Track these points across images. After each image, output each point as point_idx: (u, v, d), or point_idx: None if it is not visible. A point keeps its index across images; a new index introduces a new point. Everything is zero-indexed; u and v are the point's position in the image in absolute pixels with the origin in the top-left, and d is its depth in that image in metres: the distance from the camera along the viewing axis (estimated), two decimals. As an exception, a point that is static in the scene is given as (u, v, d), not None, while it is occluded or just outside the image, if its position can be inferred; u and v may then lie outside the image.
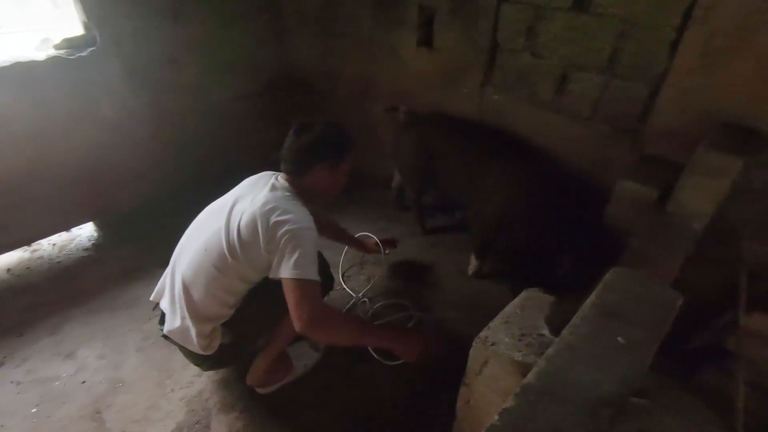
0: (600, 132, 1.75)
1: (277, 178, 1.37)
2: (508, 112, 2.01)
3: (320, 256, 1.43)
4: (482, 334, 1.08)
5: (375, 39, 2.31)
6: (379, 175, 2.79)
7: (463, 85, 2.10)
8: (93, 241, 2.38)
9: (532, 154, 1.94)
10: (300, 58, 2.79)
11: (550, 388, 0.76)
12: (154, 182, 2.55)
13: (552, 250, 1.73)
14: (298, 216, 1.24)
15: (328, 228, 1.89)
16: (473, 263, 2.04)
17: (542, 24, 1.71)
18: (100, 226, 2.48)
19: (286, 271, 1.18)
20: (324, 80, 2.75)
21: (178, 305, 1.32)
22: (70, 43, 2.03)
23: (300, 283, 1.17)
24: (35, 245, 2.33)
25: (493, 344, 1.04)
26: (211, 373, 1.67)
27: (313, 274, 1.20)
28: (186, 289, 1.30)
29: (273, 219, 1.21)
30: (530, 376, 0.79)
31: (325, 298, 1.75)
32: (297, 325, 1.17)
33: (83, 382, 1.66)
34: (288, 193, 1.32)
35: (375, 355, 1.69)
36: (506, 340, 1.05)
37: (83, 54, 2.02)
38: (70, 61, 1.99)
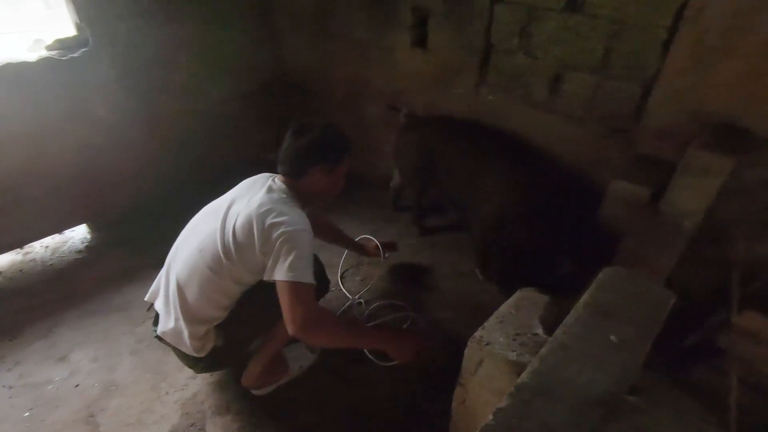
0: (593, 132, 1.76)
1: (274, 180, 1.37)
2: (502, 113, 2.01)
3: (316, 258, 1.43)
4: (477, 334, 1.08)
5: (369, 40, 2.31)
6: (373, 176, 2.79)
7: (457, 86, 2.10)
8: (86, 244, 2.36)
9: (532, 155, 1.94)
10: (294, 58, 2.79)
11: (544, 388, 0.76)
12: (148, 184, 2.53)
13: (550, 250, 1.74)
14: (294, 218, 1.24)
15: (327, 231, 1.88)
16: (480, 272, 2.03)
17: (535, 24, 1.72)
18: (93, 228, 2.47)
19: (280, 274, 1.17)
20: (318, 81, 2.75)
21: (172, 306, 1.31)
22: (62, 44, 2.02)
23: (294, 285, 1.17)
24: (28, 248, 2.31)
25: (487, 344, 1.04)
26: (205, 375, 1.67)
27: (308, 277, 1.19)
28: (180, 290, 1.30)
29: (269, 221, 1.20)
30: (524, 376, 0.79)
31: (322, 299, 1.75)
32: (290, 329, 1.17)
33: (76, 386, 1.65)
34: (285, 195, 1.31)
35: (370, 356, 1.69)
36: (501, 339, 1.05)
37: (75, 55, 2.00)
38: (62, 62, 1.97)
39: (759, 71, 1.31)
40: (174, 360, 1.51)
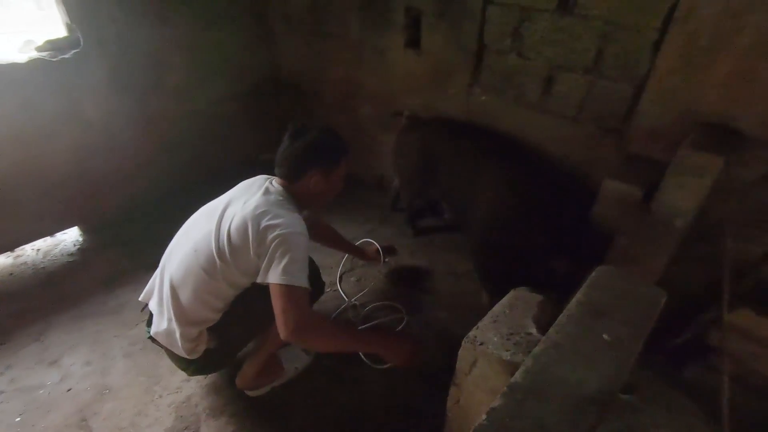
0: (586, 132, 1.77)
1: (271, 183, 1.36)
2: (495, 113, 2.02)
3: (310, 261, 1.42)
4: (471, 334, 1.08)
5: (362, 40, 2.32)
6: (368, 177, 2.79)
7: (450, 86, 2.11)
8: (78, 246, 2.34)
9: (530, 155, 1.95)
10: (287, 59, 2.79)
11: (537, 387, 0.77)
12: (140, 185, 2.52)
13: (543, 249, 1.74)
14: (290, 221, 1.23)
15: (326, 235, 1.87)
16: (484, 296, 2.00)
17: (528, 25, 1.73)
18: (85, 231, 2.44)
19: (274, 277, 1.17)
20: (312, 81, 2.74)
21: (165, 307, 1.31)
22: (53, 45, 2.00)
23: (288, 289, 1.16)
24: (18, 251, 2.28)
25: (481, 344, 1.04)
26: (200, 378, 1.66)
27: (302, 280, 1.18)
28: (174, 291, 1.29)
29: (264, 223, 1.20)
30: (517, 375, 0.80)
31: (318, 302, 1.74)
32: (282, 333, 1.16)
33: (69, 390, 1.63)
34: (281, 198, 1.30)
35: (364, 359, 1.68)
36: (495, 339, 1.05)
37: (66, 56, 1.99)
38: (52, 63, 1.96)
39: (748, 71, 1.32)
40: (168, 363, 1.50)
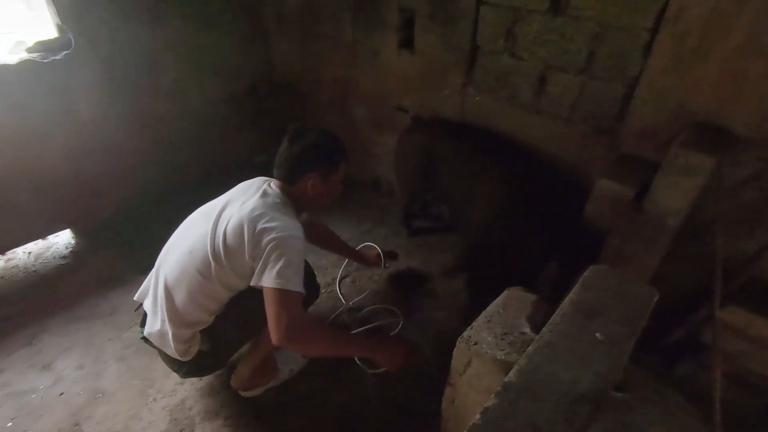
0: (579, 132, 1.78)
1: (269, 185, 1.35)
2: (489, 113, 2.03)
3: (306, 264, 1.42)
4: (465, 333, 1.08)
5: (356, 41, 2.32)
6: (362, 178, 2.79)
7: (444, 87, 2.11)
8: (70, 249, 2.32)
9: (528, 157, 1.95)
10: (281, 60, 2.78)
11: (530, 386, 0.77)
12: (134, 187, 2.50)
13: (538, 250, 1.74)
14: (286, 224, 1.22)
15: (325, 239, 1.86)
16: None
17: (520, 26, 1.73)
18: (77, 233, 2.42)
19: (268, 280, 1.16)
20: (306, 82, 2.74)
21: (159, 307, 1.30)
22: (43, 46, 1.98)
23: (282, 293, 1.15)
24: (10, 254, 2.26)
25: (476, 344, 1.05)
26: (194, 380, 1.65)
27: (296, 285, 1.17)
28: (168, 292, 1.28)
29: (260, 225, 1.19)
30: (511, 375, 0.80)
31: (314, 304, 1.73)
32: (274, 337, 1.15)
33: (61, 394, 1.62)
34: (279, 201, 1.30)
35: (359, 363, 1.68)
36: (489, 339, 1.05)
37: (57, 57, 1.97)
38: (44, 65, 1.94)
39: (738, 71, 1.34)
40: (162, 365, 1.49)
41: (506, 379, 0.79)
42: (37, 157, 2.07)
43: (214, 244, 1.23)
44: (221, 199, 1.36)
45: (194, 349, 1.31)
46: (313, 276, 1.65)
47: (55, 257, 2.26)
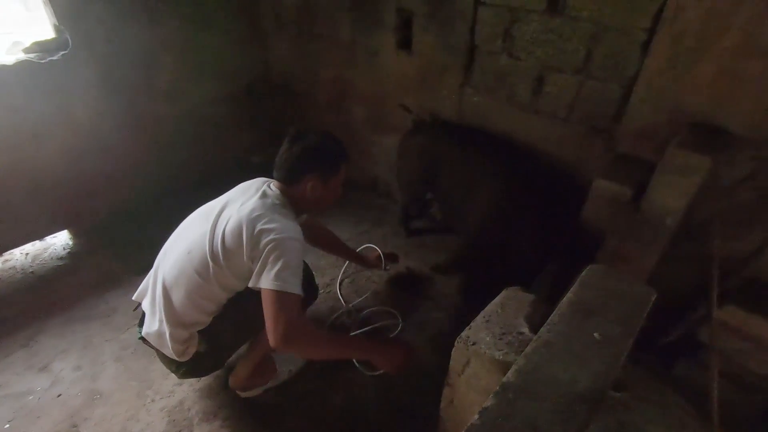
0: (576, 132, 1.79)
1: (269, 186, 1.35)
2: (487, 113, 2.03)
3: (304, 265, 1.42)
4: (463, 334, 1.09)
5: (354, 41, 2.32)
6: (360, 178, 2.79)
7: (442, 87, 2.11)
8: (68, 250, 2.31)
9: (528, 158, 1.95)
10: (279, 60, 2.78)
11: (529, 386, 0.77)
12: (131, 188, 2.50)
13: (534, 252, 1.75)
14: (285, 226, 1.21)
15: (325, 240, 1.85)
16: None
17: (518, 26, 1.74)
18: (75, 234, 2.42)
19: (266, 282, 1.15)
20: (304, 82, 2.74)
21: (157, 308, 1.30)
22: (40, 47, 1.98)
23: (279, 295, 1.14)
24: (7, 255, 2.25)
25: (474, 344, 1.05)
26: (192, 381, 1.65)
27: (294, 287, 1.17)
28: (166, 292, 1.28)
29: (259, 227, 1.18)
30: (509, 375, 0.80)
31: (313, 305, 1.73)
32: (271, 340, 1.14)
33: (59, 396, 1.61)
34: (278, 202, 1.29)
35: (357, 365, 1.68)
36: (487, 339, 1.06)
37: (54, 58, 1.96)
38: (41, 65, 1.93)
39: (735, 71, 1.34)
40: (160, 367, 1.49)
41: (504, 379, 0.79)
42: (34, 158, 2.07)
43: (213, 245, 1.23)
44: (221, 199, 1.36)
45: (192, 350, 1.30)
46: (312, 277, 1.64)
47: (52, 258, 2.25)
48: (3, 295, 2.02)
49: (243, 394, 1.58)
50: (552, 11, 1.63)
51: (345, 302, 2.00)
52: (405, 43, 2.15)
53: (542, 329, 0.90)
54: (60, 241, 2.37)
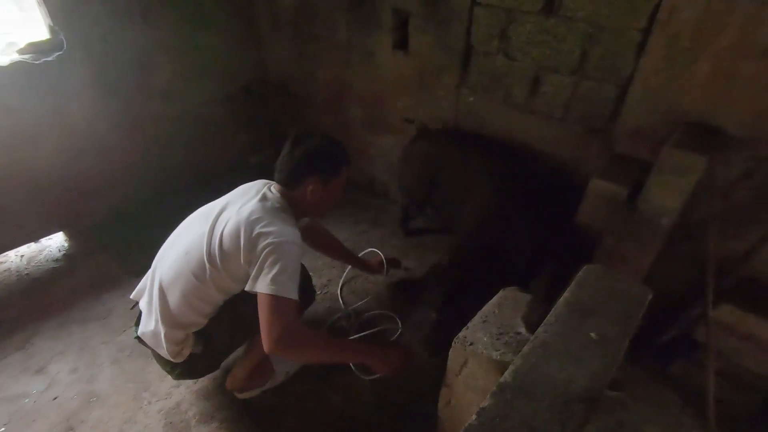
0: (573, 132, 1.79)
1: (270, 188, 1.34)
2: (483, 114, 2.04)
3: (302, 268, 1.41)
4: (461, 334, 1.09)
5: (350, 42, 2.31)
6: (358, 179, 2.79)
7: (438, 87, 2.12)
8: (63, 252, 2.30)
9: (526, 159, 1.95)
10: (275, 61, 2.77)
11: (526, 386, 0.77)
12: (127, 190, 2.49)
13: (526, 254, 1.75)
14: (283, 230, 1.21)
15: (327, 245, 1.85)
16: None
17: (514, 27, 1.74)
18: (70, 236, 2.41)
19: (262, 286, 1.15)
20: (301, 83, 2.73)
21: (154, 308, 1.29)
22: (35, 48, 1.97)
23: (275, 299, 1.14)
24: (2, 257, 2.24)
25: (471, 344, 1.05)
26: (190, 383, 1.64)
27: (290, 292, 1.16)
28: (162, 293, 1.27)
29: (257, 230, 1.18)
30: (506, 375, 0.80)
31: (315, 308, 1.72)
32: (265, 344, 1.14)
33: (55, 398, 1.61)
34: (278, 205, 1.28)
35: (353, 369, 1.67)
36: (484, 339, 1.06)
37: (49, 59, 1.95)
38: (35, 66, 1.92)
39: (729, 71, 1.35)
40: (156, 369, 1.49)
41: (502, 379, 0.79)
42: (29, 159, 2.05)
43: (210, 246, 1.23)
44: (220, 200, 1.35)
45: (187, 351, 1.30)
46: (309, 279, 1.64)
47: (48, 260, 2.24)
48: (-2, 297, 2.02)
49: (240, 396, 1.57)
50: (547, 12, 1.63)
51: (345, 306, 1.99)
52: (401, 44, 2.15)
53: (539, 329, 0.90)
54: (55, 242, 2.36)
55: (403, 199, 2.40)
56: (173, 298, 1.26)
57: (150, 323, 1.30)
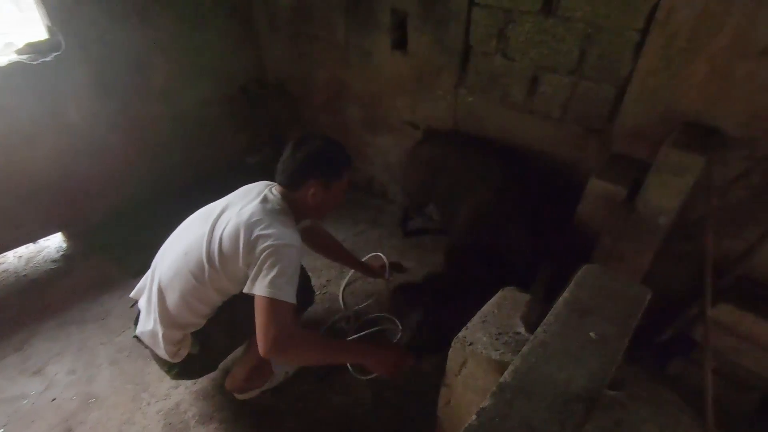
0: (571, 132, 1.80)
1: (271, 190, 1.34)
2: (482, 114, 2.04)
3: (302, 270, 1.40)
4: (460, 334, 1.09)
5: (348, 42, 2.31)
6: (356, 179, 2.79)
7: (437, 87, 2.12)
8: (62, 253, 2.30)
9: (526, 160, 1.95)
10: (273, 61, 2.77)
11: (526, 386, 0.77)
12: (125, 190, 2.48)
13: (520, 254, 1.75)
14: (283, 232, 1.20)
15: (329, 247, 1.84)
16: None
17: (512, 27, 1.74)
18: (68, 237, 2.40)
19: (260, 288, 1.14)
20: (298, 84, 2.73)
21: (152, 307, 1.29)
22: (33, 48, 1.96)
23: (272, 302, 1.13)
24: (0, 258, 2.23)
25: (471, 344, 1.05)
26: (189, 384, 1.64)
27: (287, 295, 1.16)
28: (161, 293, 1.27)
29: (256, 232, 1.18)
30: (506, 375, 0.80)
31: (311, 308, 1.72)
32: (260, 347, 1.13)
33: (53, 400, 1.60)
34: (278, 207, 1.28)
35: (350, 369, 1.67)
36: (484, 339, 1.06)
37: (47, 59, 1.95)
38: (33, 67, 1.92)
39: (727, 71, 1.35)
40: (155, 369, 1.49)
41: (501, 379, 0.79)
42: (26, 160, 2.05)
43: (210, 247, 1.23)
44: (221, 201, 1.35)
45: (184, 352, 1.30)
46: (308, 280, 1.64)
47: (46, 261, 2.23)
48: (-4, 298, 2.01)
49: (240, 397, 1.57)
50: (546, 12, 1.63)
51: (346, 307, 1.98)
52: (400, 44, 2.15)
53: (538, 329, 0.90)
54: (54, 243, 2.35)
55: (405, 201, 2.40)
56: (171, 299, 1.26)
57: (148, 323, 1.30)
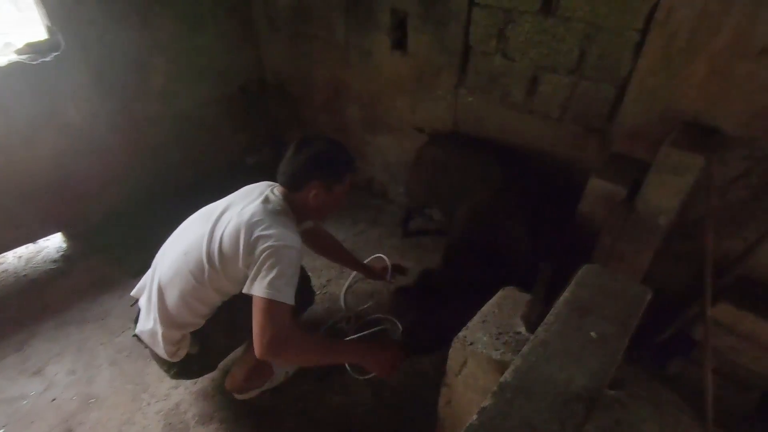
0: (570, 132, 1.80)
1: (272, 191, 1.34)
2: (482, 114, 2.04)
3: (302, 270, 1.40)
4: (461, 334, 1.09)
5: (348, 42, 2.31)
6: (355, 179, 2.79)
7: (437, 87, 2.12)
8: (61, 253, 2.29)
9: (526, 160, 1.95)
10: (273, 61, 2.77)
11: (526, 385, 0.77)
12: (125, 191, 2.48)
13: (517, 253, 1.75)
14: (283, 234, 1.20)
15: (330, 249, 1.83)
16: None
17: (512, 27, 1.74)
18: (68, 237, 2.40)
19: (259, 289, 1.14)
20: (297, 83, 2.73)
21: (152, 306, 1.29)
22: (33, 48, 1.96)
23: (270, 303, 1.13)
24: (0, 258, 2.23)
25: (471, 344, 1.05)
26: (188, 384, 1.64)
27: (286, 296, 1.15)
28: (161, 292, 1.27)
29: (257, 233, 1.18)
30: (507, 374, 0.80)
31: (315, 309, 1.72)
32: (257, 348, 1.13)
33: (53, 400, 1.60)
34: (279, 208, 1.28)
35: (348, 369, 1.67)
36: (484, 339, 1.06)
37: (47, 59, 1.95)
38: (33, 67, 1.91)
39: (726, 71, 1.36)
40: (155, 370, 1.48)
41: (502, 378, 0.79)
42: (26, 160, 2.05)
43: (210, 247, 1.23)
44: (223, 201, 1.35)
45: (183, 352, 1.30)
46: (308, 280, 1.64)
47: (45, 261, 2.23)
48: (-5, 298, 2.01)
49: (239, 397, 1.57)
50: (546, 12, 1.64)
51: (346, 308, 1.97)
52: (399, 44, 2.15)
53: (539, 329, 0.91)
54: (53, 244, 2.35)
55: (408, 202, 2.40)
56: (171, 298, 1.26)
57: (148, 322, 1.30)
